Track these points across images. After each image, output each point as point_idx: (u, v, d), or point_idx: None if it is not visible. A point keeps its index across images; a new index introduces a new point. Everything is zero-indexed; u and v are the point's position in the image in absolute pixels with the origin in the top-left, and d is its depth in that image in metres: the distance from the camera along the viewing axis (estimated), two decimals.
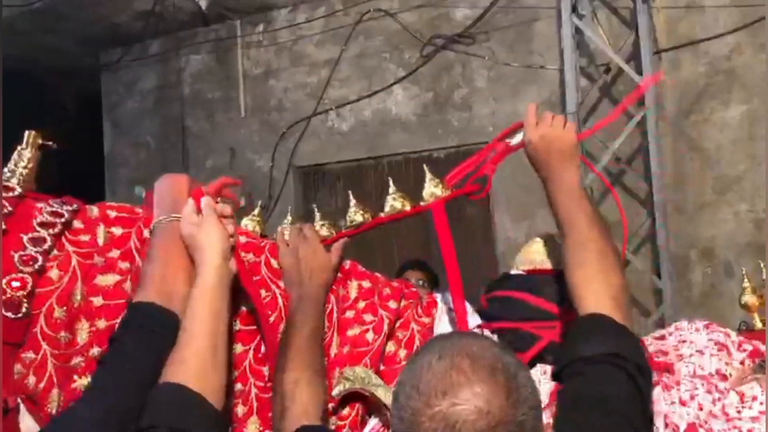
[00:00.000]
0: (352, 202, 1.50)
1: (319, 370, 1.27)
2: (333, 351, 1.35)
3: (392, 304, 1.43)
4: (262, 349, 1.35)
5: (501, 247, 4.68)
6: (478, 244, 4.82)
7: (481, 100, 4.74)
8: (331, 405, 1.28)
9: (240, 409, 1.30)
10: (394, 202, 1.50)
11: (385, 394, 1.22)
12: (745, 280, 1.84)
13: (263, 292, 1.39)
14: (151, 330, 1.12)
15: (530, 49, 4.64)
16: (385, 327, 1.39)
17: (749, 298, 1.81)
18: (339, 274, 1.46)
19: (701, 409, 1.44)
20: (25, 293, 1.23)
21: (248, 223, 1.47)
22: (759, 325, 1.80)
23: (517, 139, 1.57)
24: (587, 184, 3.99)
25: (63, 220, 1.32)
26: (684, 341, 1.64)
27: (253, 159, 5.39)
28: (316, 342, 1.31)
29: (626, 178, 4.31)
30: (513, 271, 1.65)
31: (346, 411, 1.29)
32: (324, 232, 1.48)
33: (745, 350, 1.59)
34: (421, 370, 0.90)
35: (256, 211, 1.53)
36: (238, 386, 1.31)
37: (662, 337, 1.68)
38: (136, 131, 5.80)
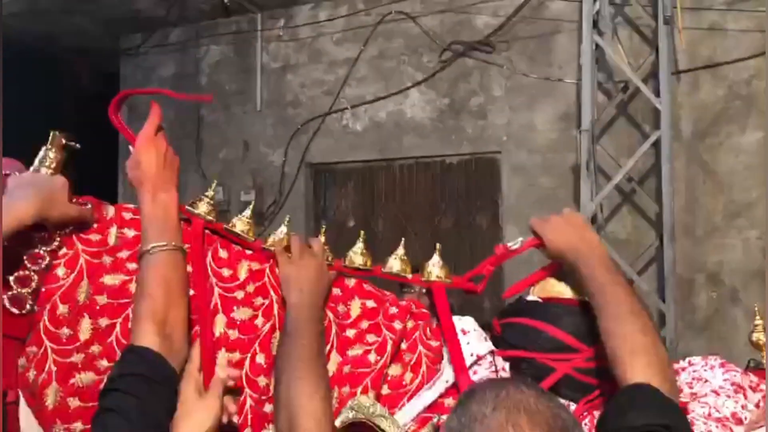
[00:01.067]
0: (360, 243, 1.49)
1: (328, 383, 1.28)
2: (331, 369, 1.35)
3: (397, 325, 1.41)
4: (257, 359, 1.35)
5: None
6: (486, 253, 4.80)
7: (497, 108, 4.74)
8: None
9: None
10: (396, 263, 1.50)
11: (388, 426, 1.22)
12: (757, 317, 1.81)
13: (260, 299, 1.39)
14: (155, 382, 1.12)
15: (549, 61, 4.62)
16: (389, 348, 1.37)
17: (759, 336, 1.78)
18: (339, 292, 1.46)
19: None
20: (30, 290, 1.25)
21: (237, 223, 1.45)
22: None
23: (517, 244, 1.59)
24: (597, 202, 3.99)
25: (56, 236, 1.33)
26: (699, 379, 1.62)
27: (266, 153, 5.41)
28: (323, 354, 1.31)
29: (637, 197, 4.29)
30: (529, 297, 1.62)
31: None
32: (317, 247, 1.47)
33: (761, 390, 1.59)
34: (474, 422, 0.88)
35: (247, 213, 1.49)
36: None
37: (676, 372, 1.67)
38: None
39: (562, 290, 1.61)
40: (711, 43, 4.25)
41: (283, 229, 1.46)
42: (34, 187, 1.26)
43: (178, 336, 1.21)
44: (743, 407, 1.56)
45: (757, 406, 1.58)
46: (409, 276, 1.52)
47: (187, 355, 1.23)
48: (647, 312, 1.32)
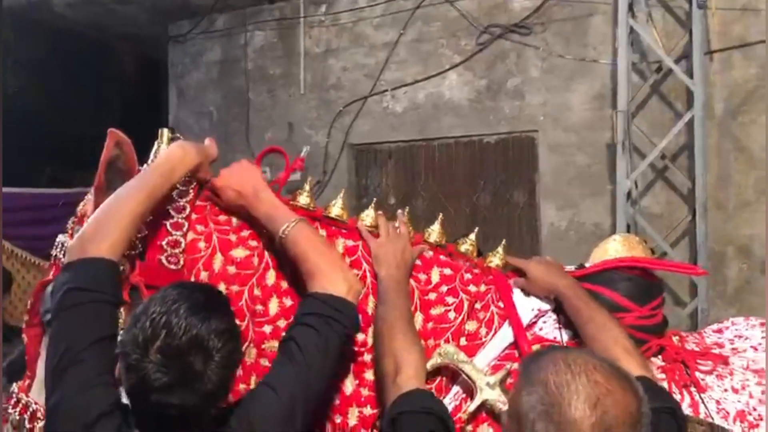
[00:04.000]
0: (438, 224, 1.77)
1: (419, 338, 1.55)
2: (418, 326, 1.61)
3: (472, 288, 1.68)
4: None
5: (544, 232, 4.88)
6: (523, 229, 5.04)
7: (534, 89, 4.91)
8: None
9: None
10: (467, 246, 1.81)
11: (470, 369, 1.48)
12: None
13: (355, 270, 1.65)
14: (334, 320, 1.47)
15: (584, 42, 4.78)
16: (465, 307, 1.64)
17: None
18: (420, 262, 1.71)
19: (752, 397, 1.66)
20: (180, 250, 1.55)
21: (302, 198, 1.73)
22: None
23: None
24: (633, 179, 4.17)
25: (192, 186, 1.69)
26: (740, 336, 1.84)
27: (310, 134, 5.64)
28: (412, 316, 1.58)
29: (670, 173, 4.46)
30: (587, 264, 1.85)
31: (435, 377, 1.55)
32: (404, 229, 1.73)
33: None
34: (562, 389, 1.04)
35: (307, 187, 1.77)
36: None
37: (719, 331, 1.89)
38: (200, 101, 6.09)
39: (616, 255, 1.84)
40: (743, 23, 4.37)
41: (370, 212, 1.72)
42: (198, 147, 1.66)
43: (347, 272, 1.52)
44: None
45: None
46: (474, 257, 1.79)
47: (360, 285, 1.55)
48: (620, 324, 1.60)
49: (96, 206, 1.54)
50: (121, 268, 1.47)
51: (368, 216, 1.72)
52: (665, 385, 1.61)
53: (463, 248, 1.78)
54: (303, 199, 1.72)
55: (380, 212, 1.75)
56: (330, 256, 1.52)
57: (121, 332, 1.31)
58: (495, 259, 1.77)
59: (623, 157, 4.04)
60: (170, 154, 1.61)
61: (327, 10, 5.58)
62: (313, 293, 1.45)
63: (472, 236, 1.83)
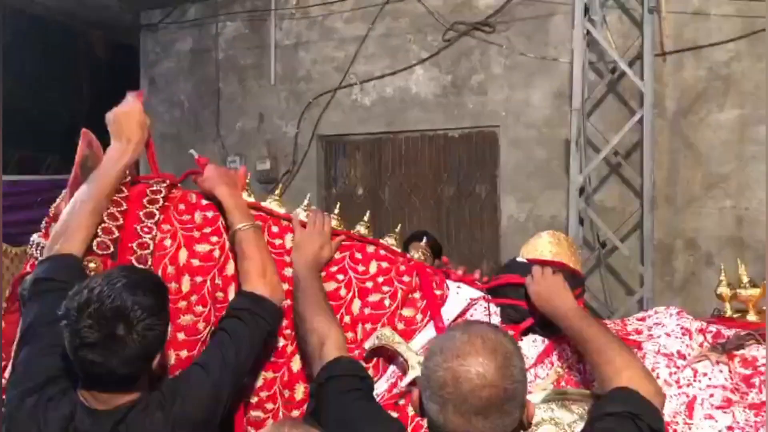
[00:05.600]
0: (367, 217, 2.00)
1: (335, 317, 1.78)
2: (355, 311, 1.81)
3: (406, 278, 1.86)
4: None
5: (504, 223, 5.08)
6: (484, 220, 5.24)
7: (496, 86, 5.09)
8: (357, 351, 1.74)
9: (289, 349, 1.76)
10: (390, 240, 2.01)
11: (404, 350, 1.66)
12: (722, 273, 2.20)
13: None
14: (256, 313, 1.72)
15: (546, 41, 4.97)
16: (399, 295, 1.83)
17: (723, 290, 2.18)
18: (360, 256, 1.89)
19: (658, 378, 1.84)
20: (149, 251, 1.72)
21: (272, 202, 1.93)
22: (729, 312, 2.17)
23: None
24: (585, 174, 4.38)
25: (162, 195, 1.87)
26: (658, 323, 2.04)
27: (280, 125, 5.78)
28: (327, 299, 1.80)
29: (624, 169, 4.68)
30: (518, 259, 2.03)
31: (372, 358, 1.75)
32: (334, 222, 1.95)
33: (710, 332, 1.99)
34: (447, 340, 1.28)
35: (277, 192, 1.99)
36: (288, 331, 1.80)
37: (642, 319, 2.09)
38: (171, 89, 6.18)
39: (544, 252, 2.03)
40: (695, 27, 4.59)
41: (301, 210, 1.94)
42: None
43: (275, 281, 1.72)
44: (687, 346, 1.98)
45: (700, 345, 1.99)
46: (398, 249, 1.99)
47: (282, 295, 1.73)
48: (617, 336, 1.72)
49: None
50: (93, 265, 1.68)
51: (301, 212, 1.93)
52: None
53: (362, 230, 1.98)
54: (274, 205, 1.91)
55: (314, 207, 1.95)
56: (265, 264, 1.74)
57: None
58: (416, 254, 1.97)
59: (576, 154, 4.24)
60: (109, 156, 1.84)
61: (298, 3, 5.70)
62: (243, 291, 1.69)
63: (394, 234, 2.02)
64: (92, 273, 1.66)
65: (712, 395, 1.83)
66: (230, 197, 1.83)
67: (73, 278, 1.54)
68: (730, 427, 1.76)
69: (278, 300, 1.71)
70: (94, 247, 1.72)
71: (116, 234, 1.76)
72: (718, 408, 1.81)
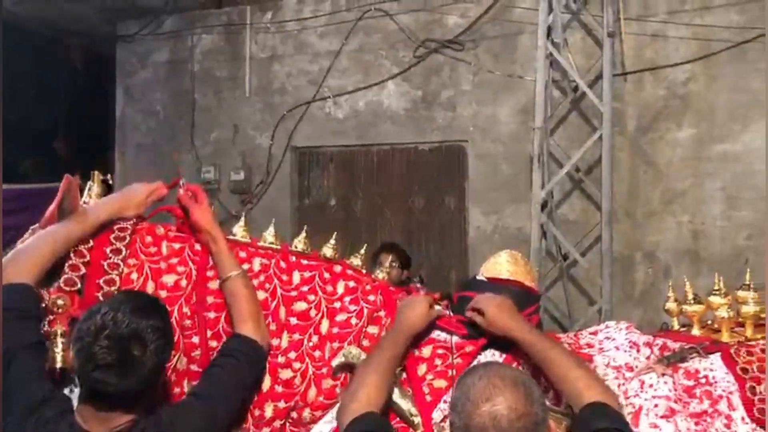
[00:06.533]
0: (332, 241, 2.06)
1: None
2: (323, 331, 1.91)
3: (371, 297, 1.98)
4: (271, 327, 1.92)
5: (472, 234, 5.25)
6: (453, 231, 5.40)
7: (465, 102, 5.26)
8: (325, 369, 1.86)
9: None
10: (356, 261, 2.07)
11: None
12: (670, 290, 2.35)
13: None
14: (250, 357, 1.82)
15: (513, 59, 5.14)
16: (365, 313, 1.94)
17: (671, 305, 2.33)
18: (328, 276, 2.00)
19: None
20: (116, 288, 1.80)
21: (238, 230, 2.03)
22: (676, 326, 2.31)
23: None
24: (547, 190, 4.55)
25: (129, 232, 1.91)
26: (609, 338, 2.17)
27: (254, 136, 5.88)
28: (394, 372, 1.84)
29: (585, 185, 4.87)
30: (478, 277, 2.15)
31: (339, 375, 1.86)
32: (300, 246, 2.04)
33: (656, 345, 2.13)
34: (470, 387, 1.42)
35: (242, 222, 2.07)
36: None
37: (594, 333, 2.22)
38: (147, 100, 6.25)
39: (501, 271, 2.17)
40: (654, 48, 4.80)
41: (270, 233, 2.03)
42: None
43: (263, 326, 1.84)
44: (635, 359, 2.11)
45: (647, 358, 2.13)
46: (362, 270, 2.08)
47: (269, 339, 1.85)
48: (574, 353, 1.87)
49: None
50: (61, 302, 1.75)
51: (240, 229, 2.03)
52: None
53: (328, 253, 2.06)
54: (239, 232, 2.01)
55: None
56: (254, 309, 1.85)
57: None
58: (381, 275, 2.08)
59: (538, 171, 4.42)
60: (88, 208, 1.90)
61: (273, 18, 5.82)
62: (238, 334, 1.80)
63: (332, 241, 2.09)
64: (60, 310, 1.73)
65: (656, 405, 1.94)
66: (223, 241, 1.92)
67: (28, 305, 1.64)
68: None
69: (267, 344, 1.83)
70: (62, 284, 1.77)
71: (83, 270, 1.80)
72: (662, 417, 1.93)
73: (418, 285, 4.54)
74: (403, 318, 1.88)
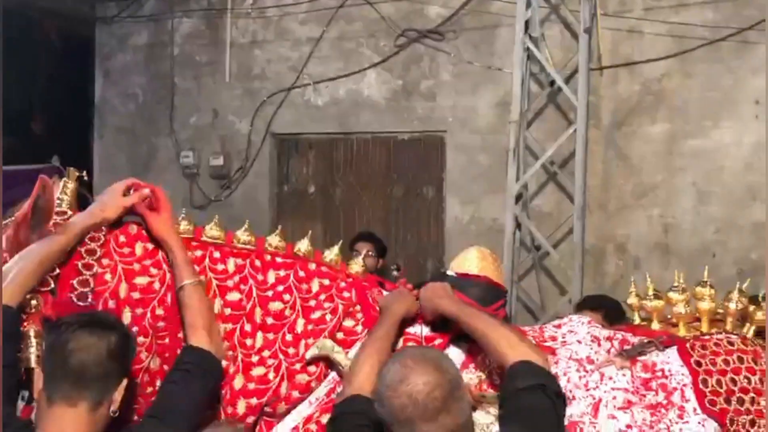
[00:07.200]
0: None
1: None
2: (299, 329, 1.96)
3: (346, 294, 2.03)
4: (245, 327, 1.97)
5: (449, 224, 5.32)
6: (431, 221, 5.48)
7: (444, 92, 5.30)
8: (299, 365, 1.91)
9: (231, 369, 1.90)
10: (330, 255, 2.12)
11: (341, 358, 1.85)
12: (632, 285, 2.43)
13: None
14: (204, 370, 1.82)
15: (492, 51, 5.19)
16: (340, 309, 1.99)
17: (632, 300, 2.41)
18: (303, 275, 2.04)
19: (569, 382, 2.06)
20: (89, 289, 1.83)
21: (213, 229, 2.04)
22: (637, 320, 2.40)
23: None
24: (522, 182, 4.63)
25: (103, 233, 1.93)
26: (572, 331, 2.25)
27: (233, 121, 5.89)
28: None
29: (560, 177, 4.95)
30: (448, 272, 2.22)
31: (313, 368, 1.92)
32: (275, 242, 2.06)
33: (617, 339, 2.21)
34: (386, 375, 1.53)
35: (215, 220, 2.06)
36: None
37: (558, 326, 2.30)
38: (126, 83, 6.22)
39: (470, 267, 2.24)
40: (630, 44, 4.87)
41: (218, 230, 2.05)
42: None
43: (218, 337, 1.86)
44: (596, 352, 2.20)
45: (608, 352, 2.21)
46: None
47: (223, 351, 1.87)
48: (500, 321, 1.95)
49: (15, 236, 1.84)
50: (34, 302, 1.77)
51: (213, 229, 2.04)
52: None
53: (303, 248, 2.08)
54: (183, 226, 2.02)
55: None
56: (211, 320, 1.87)
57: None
58: (355, 267, 2.13)
59: (514, 163, 4.49)
60: (71, 221, 1.89)
61: (254, 3, 5.80)
62: (191, 346, 1.81)
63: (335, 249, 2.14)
64: (33, 310, 1.76)
65: (614, 397, 2.03)
66: (180, 250, 1.91)
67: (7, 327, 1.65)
68: (629, 425, 1.96)
69: (221, 356, 1.84)
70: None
71: (57, 271, 1.82)
72: (619, 409, 2.01)
73: (395, 273, 4.63)
74: (394, 309, 1.96)
